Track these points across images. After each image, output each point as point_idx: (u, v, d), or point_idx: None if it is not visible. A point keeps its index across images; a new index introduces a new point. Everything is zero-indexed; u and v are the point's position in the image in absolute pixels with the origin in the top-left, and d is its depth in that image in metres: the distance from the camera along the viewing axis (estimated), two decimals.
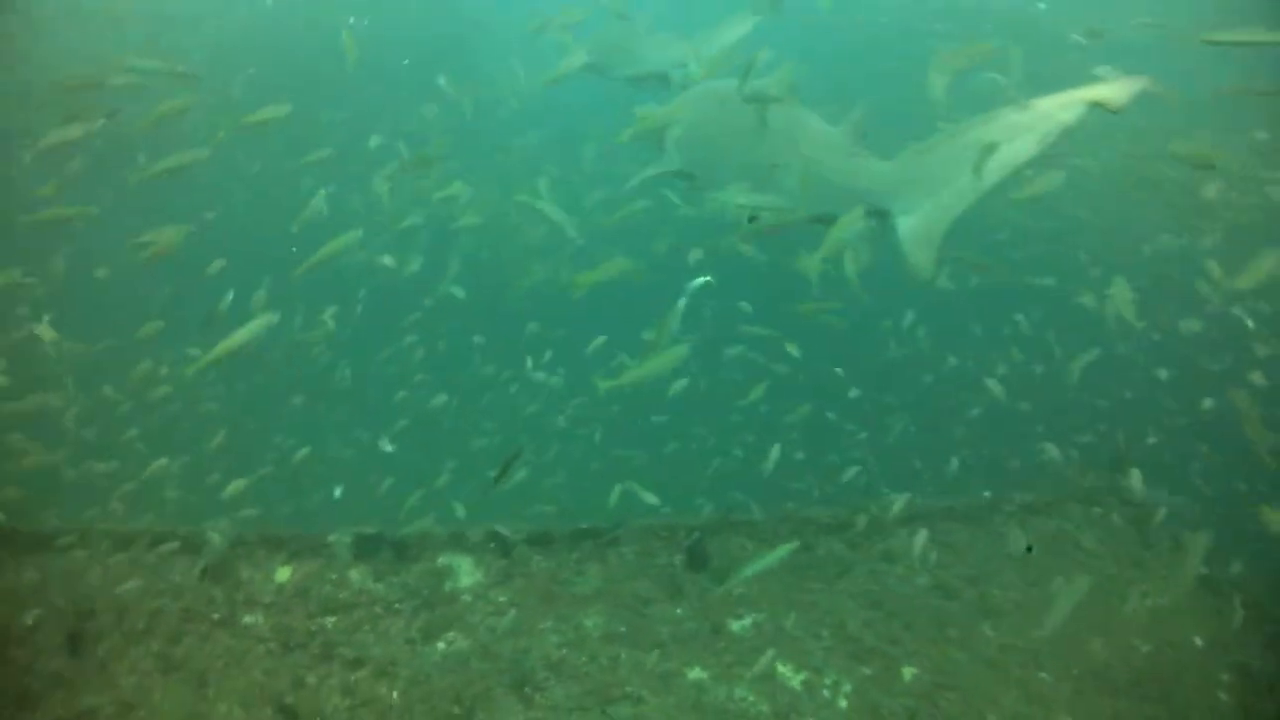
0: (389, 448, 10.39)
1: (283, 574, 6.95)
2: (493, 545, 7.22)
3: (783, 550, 6.62)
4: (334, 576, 6.98)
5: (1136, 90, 6.48)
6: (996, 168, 6.95)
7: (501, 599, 6.93)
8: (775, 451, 8.98)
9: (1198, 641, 7.43)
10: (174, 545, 7.04)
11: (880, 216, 7.78)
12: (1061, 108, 6.77)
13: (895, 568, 7.96)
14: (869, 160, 7.81)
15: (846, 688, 6.66)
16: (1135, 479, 8.64)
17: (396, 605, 6.82)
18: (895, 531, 8.28)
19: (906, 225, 7.32)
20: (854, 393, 10.09)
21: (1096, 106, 6.58)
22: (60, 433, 9.38)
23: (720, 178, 8.99)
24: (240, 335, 6.72)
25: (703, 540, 7.53)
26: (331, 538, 7.12)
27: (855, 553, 8.02)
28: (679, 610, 7.18)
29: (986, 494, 8.82)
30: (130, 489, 8.47)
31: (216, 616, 6.67)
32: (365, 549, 7.11)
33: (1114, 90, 6.50)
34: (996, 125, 6.89)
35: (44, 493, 8.21)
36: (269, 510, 8.76)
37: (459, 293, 10.85)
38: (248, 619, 6.69)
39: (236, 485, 8.17)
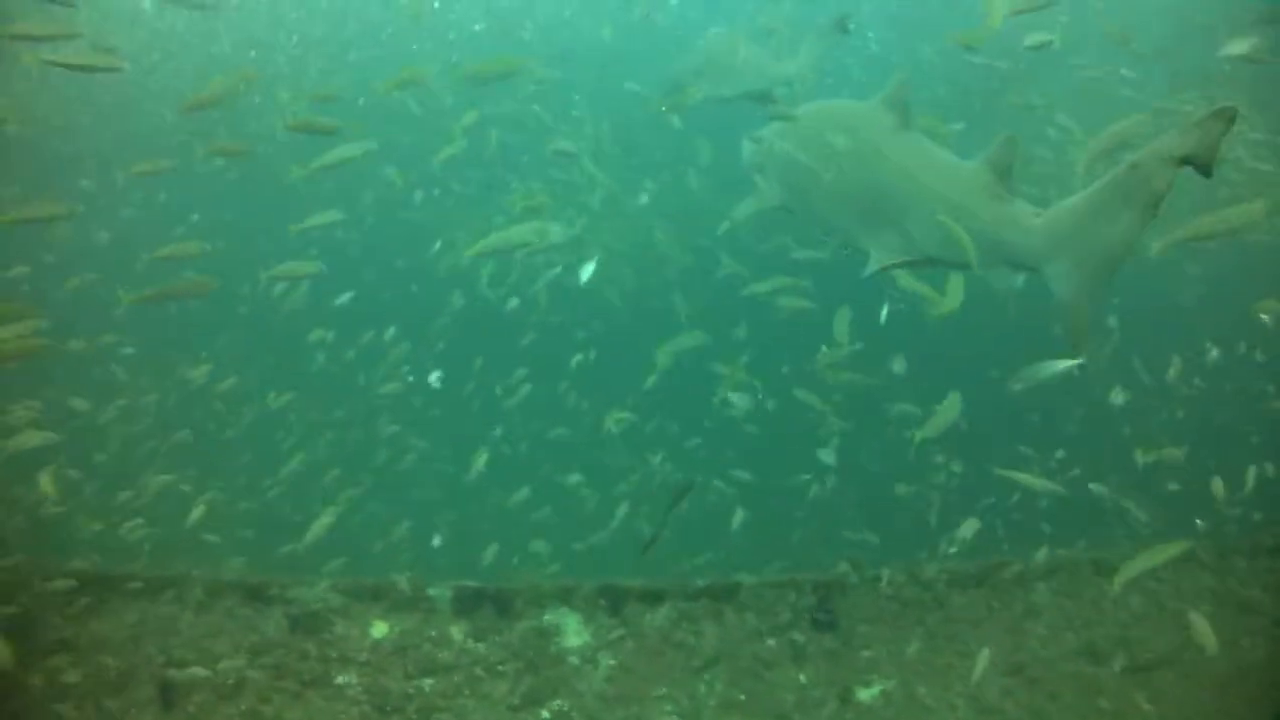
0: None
1: (379, 629, 6.52)
2: (602, 601, 6.68)
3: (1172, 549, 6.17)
4: (433, 634, 6.52)
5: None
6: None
7: (611, 662, 6.40)
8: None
9: None
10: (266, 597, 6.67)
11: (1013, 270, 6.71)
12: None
13: (1038, 626, 7.23)
14: (1018, 207, 6.58)
15: None
16: None
17: (499, 667, 6.34)
18: (1035, 585, 7.55)
19: (1065, 286, 6.09)
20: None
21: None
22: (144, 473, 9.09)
23: (824, 216, 8.10)
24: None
25: (829, 598, 6.89)
26: (431, 590, 6.67)
27: (994, 611, 7.30)
28: (802, 676, 6.58)
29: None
30: (215, 535, 8.15)
31: (308, 677, 6.26)
32: (466, 603, 6.64)
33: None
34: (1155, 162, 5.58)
35: (135, 537, 7.92)
36: (359, 558, 8.33)
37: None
38: (341, 679, 6.27)
39: (320, 527, 7.77)
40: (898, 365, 9.03)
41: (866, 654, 6.75)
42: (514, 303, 10.19)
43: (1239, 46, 8.09)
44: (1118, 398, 9.19)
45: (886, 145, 7.26)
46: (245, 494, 9.46)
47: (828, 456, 8.84)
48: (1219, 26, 10.65)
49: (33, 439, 7.33)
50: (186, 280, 7.90)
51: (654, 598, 6.74)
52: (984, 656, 6.42)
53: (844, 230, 7.86)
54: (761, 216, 9.46)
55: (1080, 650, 7.03)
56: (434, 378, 10.44)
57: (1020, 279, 6.74)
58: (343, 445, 10.48)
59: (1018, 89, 11.72)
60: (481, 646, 6.45)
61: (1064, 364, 6.33)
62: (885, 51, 15.00)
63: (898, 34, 15.23)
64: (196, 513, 8.03)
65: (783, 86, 11.22)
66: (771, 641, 6.70)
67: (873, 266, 7.23)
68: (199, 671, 6.27)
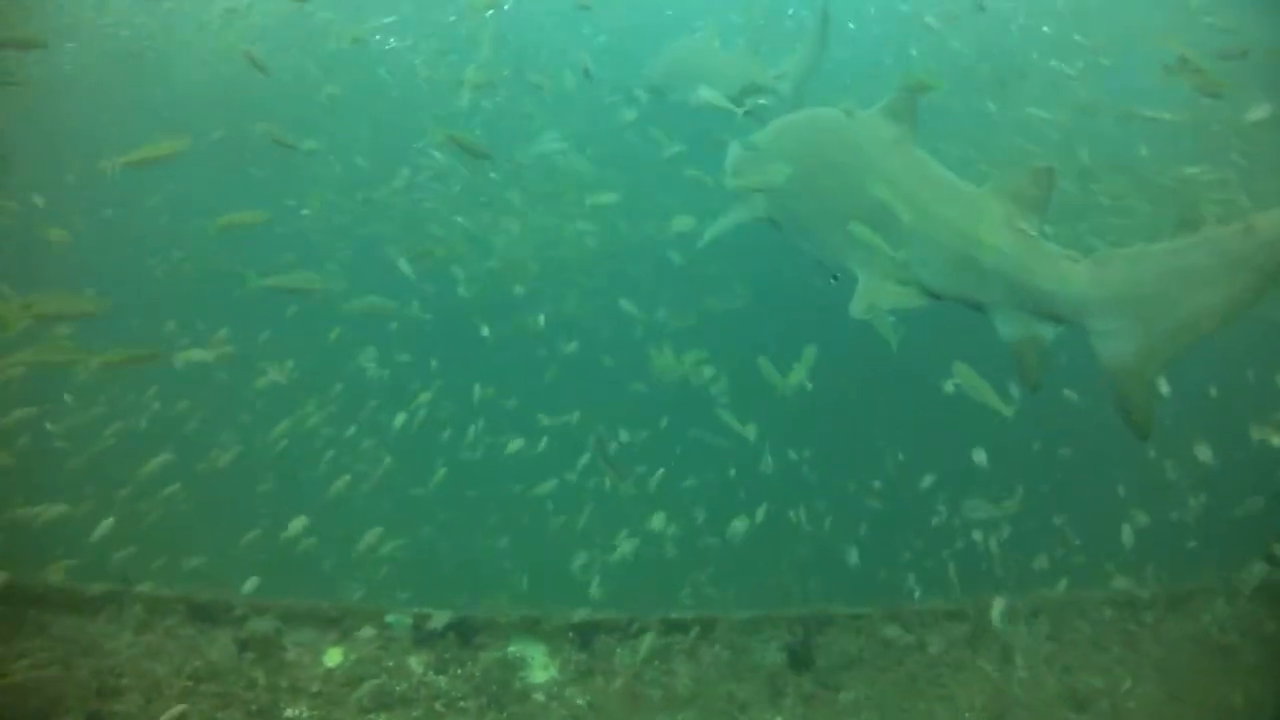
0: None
1: (333, 657, 6.11)
2: (571, 634, 6.33)
3: None
4: (391, 664, 6.12)
5: None
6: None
7: (580, 701, 6.04)
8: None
9: None
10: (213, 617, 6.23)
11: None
12: None
13: (1018, 669, 7.01)
14: (1049, 248, 5.89)
15: None
16: None
17: (461, 703, 5.95)
18: (1017, 626, 7.33)
19: (1121, 348, 5.45)
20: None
21: None
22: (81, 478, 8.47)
23: (813, 230, 7.50)
24: None
25: (807, 636, 6.60)
26: (390, 617, 6.27)
27: (974, 651, 7.06)
28: (779, 718, 6.27)
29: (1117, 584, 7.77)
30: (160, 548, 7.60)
31: (255, 707, 5.84)
32: (427, 632, 6.25)
33: None
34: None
35: (67, 545, 7.37)
36: (316, 579, 7.85)
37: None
38: (290, 711, 5.85)
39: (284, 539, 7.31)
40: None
41: (846, 696, 6.46)
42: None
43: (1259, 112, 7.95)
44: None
45: (886, 161, 6.72)
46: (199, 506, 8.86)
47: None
48: None
49: None
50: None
51: (626, 631, 6.40)
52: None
53: (832, 251, 7.27)
54: (744, 229, 8.56)
55: (1062, 695, 6.82)
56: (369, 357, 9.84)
57: (1051, 332, 6.03)
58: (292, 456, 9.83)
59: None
60: (442, 679, 6.06)
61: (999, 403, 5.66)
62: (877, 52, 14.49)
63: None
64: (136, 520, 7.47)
65: (766, 92, 10.71)
66: (748, 681, 6.38)
67: (863, 301, 6.54)
68: (135, 700, 5.83)
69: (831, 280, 7.37)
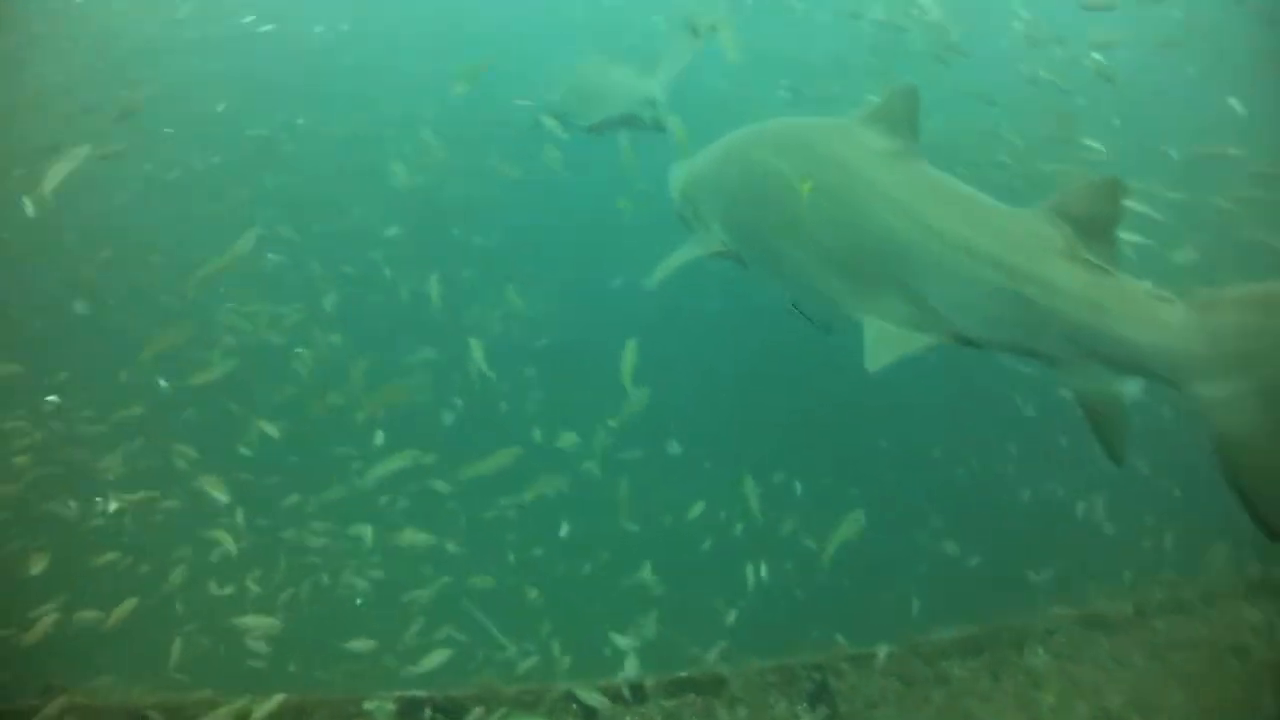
0: None
1: None
2: (574, 706, 5.70)
3: None
4: None
5: None
6: None
7: None
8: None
9: None
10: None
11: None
12: None
13: (1047, 696, 6.59)
14: (1131, 287, 4.68)
15: None
16: None
17: None
18: (1035, 649, 6.94)
19: (1244, 421, 4.19)
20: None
21: None
22: None
23: (792, 269, 6.24)
24: None
25: (825, 681, 6.09)
26: (369, 704, 5.56)
27: (999, 680, 6.63)
28: None
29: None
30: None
31: None
32: (412, 718, 5.55)
33: None
34: None
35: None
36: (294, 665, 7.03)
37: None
38: None
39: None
40: None
41: None
42: None
43: None
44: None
45: (887, 179, 5.51)
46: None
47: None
48: None
49: None
50: None
51: (632, 697, 5.79)
52: None
53: (822, 292, 5.99)
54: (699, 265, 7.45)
55: (1097, 718, 6.42)
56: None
57: (1135, 388, 4.87)
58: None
59: None
60: None
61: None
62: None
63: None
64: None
65: (646, 107, 10.28)
66: None
67: (879, 355, 5.34)
68: None
69: (825, 332, 6.38)
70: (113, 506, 7.62)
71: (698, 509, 8.52)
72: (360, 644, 6.89)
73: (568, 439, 8.35)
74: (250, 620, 6.68)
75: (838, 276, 5.79)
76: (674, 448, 8.98)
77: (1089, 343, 4.72)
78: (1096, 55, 10.63)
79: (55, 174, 6.57)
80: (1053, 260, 4.81)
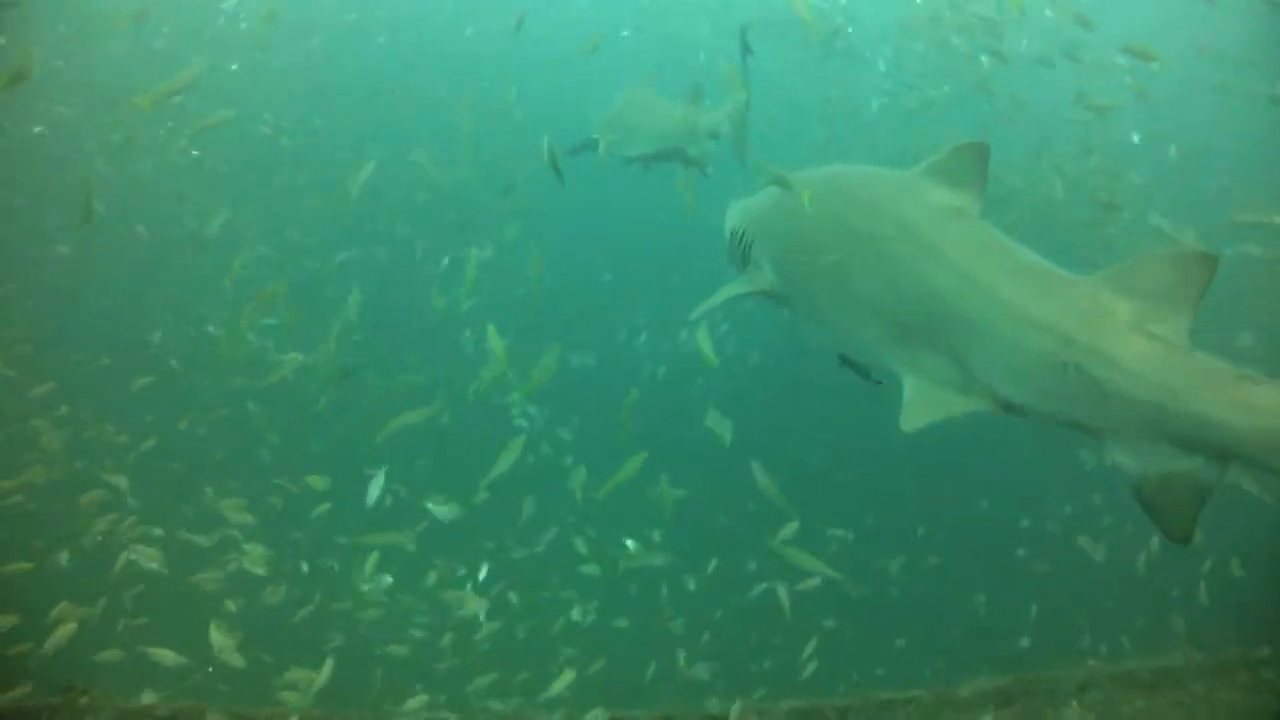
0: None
1: None
2: None
3: None
4: None
5: None
6: None
7: None
8: None
9: None
10: None
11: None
12: None
13: None
14: (1209, 366, 4.40)
15: None
16: None
17: None
18: (1069, 703, 6.94)
19: None
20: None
21: None
22: None
23: (838, 319, 6.24)
24: None
25: None
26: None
27: None
28: None
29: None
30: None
31: None
32: None
33: None
34: None
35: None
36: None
37: None
38: None
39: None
40: None
41: None
42: None
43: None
44: None
45: (946, 239, 5.34)
46: None
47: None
48: None
49: None
50: None
51: None
52: None
53: (864, 347, 6.03)
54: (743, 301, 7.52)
55: None
56: None
57: (1214, 474, 4.51)
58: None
59: None
60: None
61: None
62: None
63: None
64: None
65: (703, 141, 10.16)
66: None
67: (916, 416, 5.19)
68: None
69: (874, 383, 6.22)
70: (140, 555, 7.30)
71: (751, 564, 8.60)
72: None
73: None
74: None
75: (884, 330, 5.72)
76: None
77: (1158, 424, 4.45)
78: None
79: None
80: (1120, 335, 4.58)
